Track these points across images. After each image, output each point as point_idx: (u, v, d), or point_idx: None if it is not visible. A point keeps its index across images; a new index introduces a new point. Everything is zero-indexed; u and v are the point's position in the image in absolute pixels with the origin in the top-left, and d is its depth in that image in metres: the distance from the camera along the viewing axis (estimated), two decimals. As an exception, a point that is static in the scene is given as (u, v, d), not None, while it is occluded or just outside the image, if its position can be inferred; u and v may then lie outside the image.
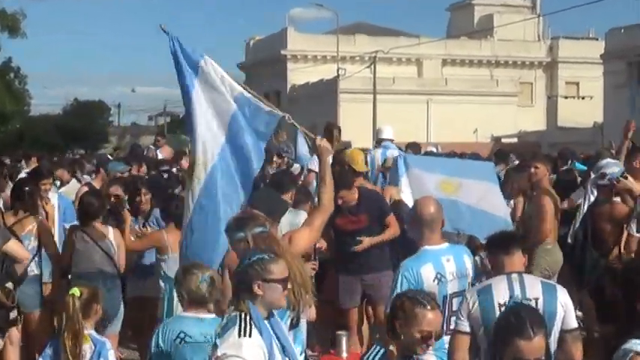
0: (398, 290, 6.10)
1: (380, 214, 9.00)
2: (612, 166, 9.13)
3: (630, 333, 3.92)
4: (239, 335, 4.26)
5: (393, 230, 8.95)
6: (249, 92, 6.84)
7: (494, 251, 5.63)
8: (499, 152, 15.15)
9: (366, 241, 8.87)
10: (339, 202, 8.49)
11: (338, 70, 54.01)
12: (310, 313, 6.06)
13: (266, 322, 4.43)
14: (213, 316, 5.67)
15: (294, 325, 5.76)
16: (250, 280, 4.43)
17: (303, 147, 13.54)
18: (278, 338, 4.47)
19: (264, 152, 7.20)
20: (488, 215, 9.57)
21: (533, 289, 5.36)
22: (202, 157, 6.79)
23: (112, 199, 9.63)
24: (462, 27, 66.81)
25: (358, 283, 9.02)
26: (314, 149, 6.84)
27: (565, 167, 12.87)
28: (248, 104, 6.76)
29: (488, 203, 9.59)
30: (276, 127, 7.41)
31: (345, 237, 8.89)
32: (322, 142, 6.66)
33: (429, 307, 4.67)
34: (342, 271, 9.03)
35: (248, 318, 4.33)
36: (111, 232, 8.57)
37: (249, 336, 4.26)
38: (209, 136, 6.77)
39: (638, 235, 8.42)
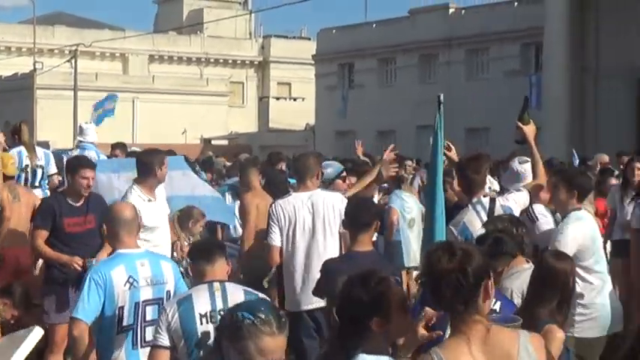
0: (85, 295, 5.98)
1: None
2: (327, 167, 9.33)
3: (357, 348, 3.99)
4: None
5: None
6: None
7: (196, 259, 5.64)
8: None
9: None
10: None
11: (35, 64, 52.41)
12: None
13: None
14: None
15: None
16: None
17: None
18: None
19: None
20: (211, 198, 10.45)
21: (236, 297, 5.38)
22: None
23: None
24: (171, 21, 66.76)
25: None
26: None
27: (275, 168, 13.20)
28: None
29: (199, 188, 10.34)
30: None
31: (73, 239, 8.50)
32: None
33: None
34: (52, 282, 8.52)
35: None
36: None
37: None
38: None
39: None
